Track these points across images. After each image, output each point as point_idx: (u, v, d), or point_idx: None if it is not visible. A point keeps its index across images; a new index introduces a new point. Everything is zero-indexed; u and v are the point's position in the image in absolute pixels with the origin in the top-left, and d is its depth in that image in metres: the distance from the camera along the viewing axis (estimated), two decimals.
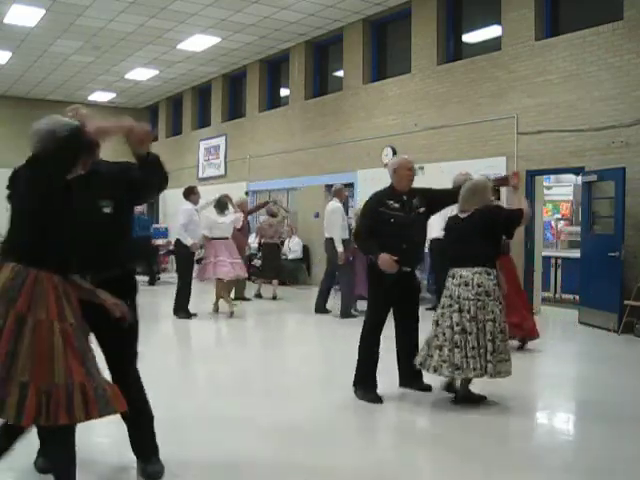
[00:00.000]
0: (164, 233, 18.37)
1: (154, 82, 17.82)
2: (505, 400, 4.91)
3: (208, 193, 16.82)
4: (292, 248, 13.39)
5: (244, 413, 4.65)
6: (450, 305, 4.60)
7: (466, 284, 4.55)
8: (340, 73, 13.34)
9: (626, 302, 7.88)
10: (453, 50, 11.14)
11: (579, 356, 7.21)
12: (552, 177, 13.00)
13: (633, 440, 4.14)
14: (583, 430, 4.51)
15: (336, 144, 13.14)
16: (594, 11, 9.17)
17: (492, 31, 10.50)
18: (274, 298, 11.18)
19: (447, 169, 10.53)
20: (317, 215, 13.54)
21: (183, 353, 7.52)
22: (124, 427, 4.19)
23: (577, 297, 9.34)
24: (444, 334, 4.57)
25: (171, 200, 19.51)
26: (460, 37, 11.17)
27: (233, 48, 14.46)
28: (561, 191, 13.87)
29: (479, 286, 4.54)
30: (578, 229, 10.73)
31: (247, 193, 15.96)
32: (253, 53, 14.94)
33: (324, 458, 3.75)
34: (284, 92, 15.39)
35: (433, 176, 10.64)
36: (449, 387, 4.88)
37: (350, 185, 13.02)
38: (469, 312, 4.51)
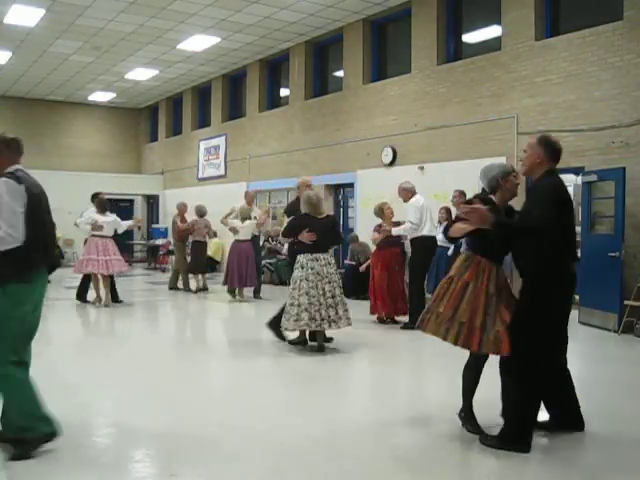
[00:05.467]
0: (164, 233, 18.41)
1: (154, 82, 17.84)
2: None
3: (208, 193, 16.92)
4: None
5: (244, 413, 4.66)
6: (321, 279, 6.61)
7: (329, 263, 6.74)
8: (340, 73, 13.35)
9: (626, 302, 7.88)
10: (453, 50, 11.14)
11: (579, 356, 7.20)
12: None
13: (632, 440, 4.14)
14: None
15: (336, 144, 13.14)
16: (594, 11, 9.17)
17: (492, 31, 10.50)
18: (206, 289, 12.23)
19: (448, 168, 10.57)
20: None
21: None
22: (123, 427, 4.20)
23: (577, 297, 9.34)
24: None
25: (171, 200, 19.57)
26: (460, 37, 11.17)
27: (233, 48, 14.47)
28: None
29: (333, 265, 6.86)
30: (578, 229, 10.72)
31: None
32: (253, 53, 14.95)
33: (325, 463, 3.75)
34: (284, 92, 15.39)
35: (433, 176, 10.67)
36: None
37: (350, 185, 13.03)
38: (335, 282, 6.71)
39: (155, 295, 12.13)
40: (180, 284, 12.39)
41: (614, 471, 3.64)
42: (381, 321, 8.74)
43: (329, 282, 6.64)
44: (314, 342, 6.97)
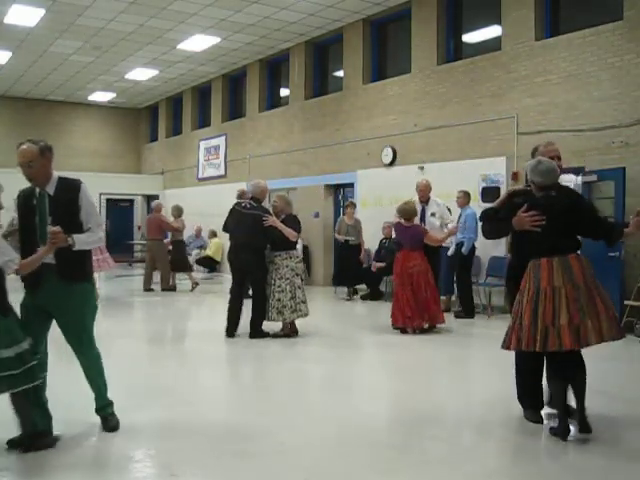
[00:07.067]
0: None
1: (154, 82, 17.83)
2: (506, 399, 4.91)
3: (208, 193, 16.92)
4: None
5: (244, 413, 4.66)
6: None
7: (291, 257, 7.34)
8: (340, 73, 13.34)
9: (626, 302, 7.87)
10: (453, 50, 11.15)
11: None
12: None
13: (631, 441, 4.14)
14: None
15: (336, 144, 13.14)
16: (594, 11, 9.17)
17: (492, 31, 10.49)
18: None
19: (448, 168, 10.57)
20: (317, 215, 13.55)
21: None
22: (123, 427, 4.21)
23: None
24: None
25: (171, 200, 19.54)
26: (460, 37, 11.17)
27: (233, 48, 14.47)
28: None
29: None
30: None
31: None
32: (253, 53, 14.94)
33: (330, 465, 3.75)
34: (284, 92, 15.39)
35: (433, 176, 10.66)
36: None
37: (350, 185, 13.03)
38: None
39: (155, 294, 12.12)
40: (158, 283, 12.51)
41: (612, 470, 3.64)
42: (422, 330, 7.79)
43: None
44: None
